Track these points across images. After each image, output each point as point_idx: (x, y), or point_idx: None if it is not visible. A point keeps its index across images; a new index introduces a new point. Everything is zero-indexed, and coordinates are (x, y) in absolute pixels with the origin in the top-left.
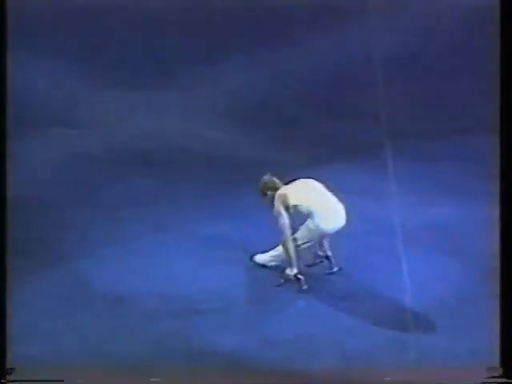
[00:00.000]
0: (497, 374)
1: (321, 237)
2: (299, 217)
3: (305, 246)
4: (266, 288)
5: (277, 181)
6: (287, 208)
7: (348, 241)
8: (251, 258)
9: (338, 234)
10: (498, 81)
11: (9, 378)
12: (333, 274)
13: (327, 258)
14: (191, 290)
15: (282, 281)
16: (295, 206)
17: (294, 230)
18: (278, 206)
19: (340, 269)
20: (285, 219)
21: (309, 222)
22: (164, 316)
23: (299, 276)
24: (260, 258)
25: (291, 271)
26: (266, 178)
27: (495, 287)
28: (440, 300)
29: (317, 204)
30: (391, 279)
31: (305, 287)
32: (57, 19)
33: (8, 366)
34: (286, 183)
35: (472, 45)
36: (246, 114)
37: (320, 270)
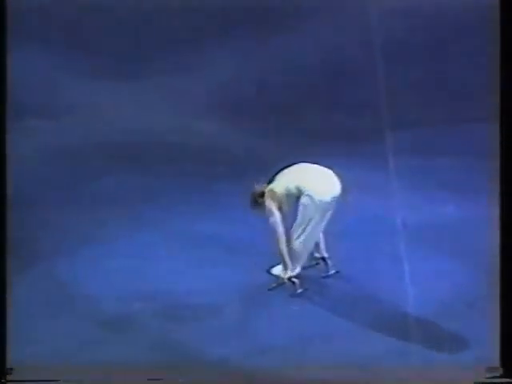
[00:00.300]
0: (497, 374)
1: (320, 212)
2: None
3: (310, 228)
4: (258, 291)
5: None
6: (279, 204)
7: (346, 241)
8: (268, 271)
9: (335, 234)
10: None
11: (9, 377)
12: (329, 277)
13: (323, 259)
14: (178, 292)
15: (275, 284)
16: (285, 193)
17: (288, 229)
18: (269, 204)
19: (337, 271)
20: (276, 217)
21: (302, 200)
22: (150, 320)
23: (293, 279)
24: (277, 270)
25: (285, 274)
26: (255, 187)
27: (496, 287)
28: (441, 302)
29: (305, 179)
30: (392, 282)
31: (299, 291)
32: (37, 7)
33: (8, 366)
34: (271, 180)
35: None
36: (238, 106)
37: (316, 273)
